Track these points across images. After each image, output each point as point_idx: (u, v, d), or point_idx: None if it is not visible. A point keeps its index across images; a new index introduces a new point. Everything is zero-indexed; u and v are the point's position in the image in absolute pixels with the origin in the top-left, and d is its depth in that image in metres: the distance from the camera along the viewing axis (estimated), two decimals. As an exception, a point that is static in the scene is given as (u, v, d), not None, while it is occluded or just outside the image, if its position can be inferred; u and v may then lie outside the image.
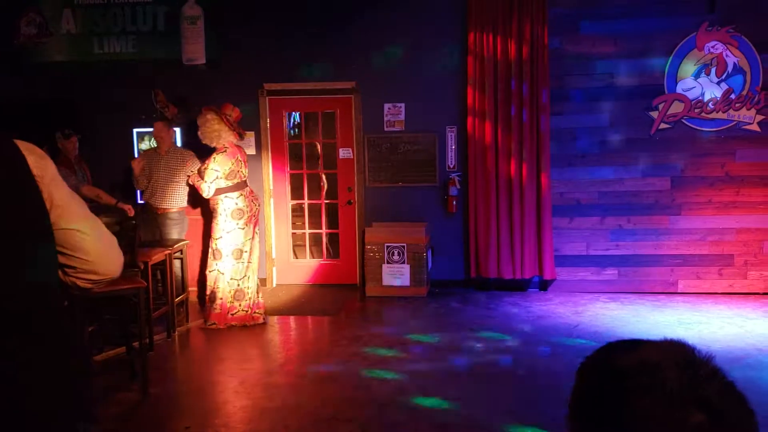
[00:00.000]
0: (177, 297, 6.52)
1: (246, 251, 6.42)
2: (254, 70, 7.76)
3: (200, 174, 6.46)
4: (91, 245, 1.66)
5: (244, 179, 6.51)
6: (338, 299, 7.39)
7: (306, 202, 8.19)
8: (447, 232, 7.69)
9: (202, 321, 6.58)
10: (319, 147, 8.34)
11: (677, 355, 0.88)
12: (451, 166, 7.64)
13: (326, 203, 8.15)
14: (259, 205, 6.64)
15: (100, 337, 5.72)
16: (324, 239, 8.27)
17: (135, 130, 7.91)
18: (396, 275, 7.33)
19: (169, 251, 6.25)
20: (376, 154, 7.75)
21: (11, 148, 1.56)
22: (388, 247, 7.33)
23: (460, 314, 6.75)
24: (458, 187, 7.56)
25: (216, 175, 6.32)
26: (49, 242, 1.59)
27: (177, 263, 6.71)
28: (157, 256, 6.04)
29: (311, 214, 8.24)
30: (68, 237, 1.63)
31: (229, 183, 6.37)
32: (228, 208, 6.36)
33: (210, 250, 6.48)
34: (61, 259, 1.64)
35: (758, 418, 0.88)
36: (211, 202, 6.48)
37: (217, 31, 7.71)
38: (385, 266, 7.35)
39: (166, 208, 6.87)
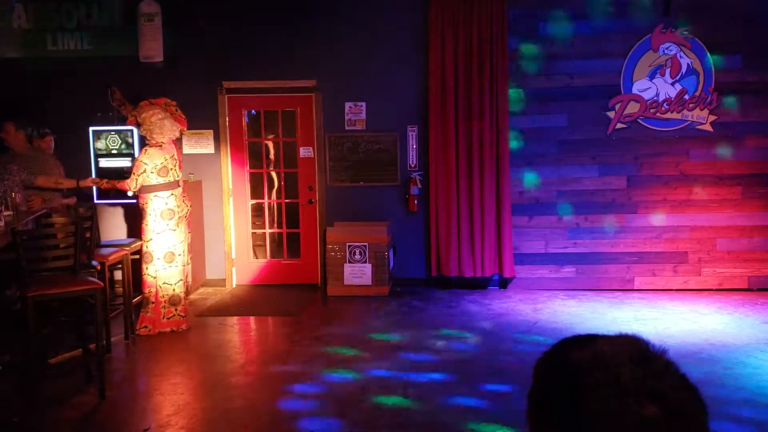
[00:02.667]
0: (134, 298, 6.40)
1: (179, 254, 6.10)
2: (213, 67, 7.67)
3: (132, 170, 6.06)
4: None
5: (176, 179, 6.11)
6: (299, 299, 7.35)
7: (266, 201, 8.14)
8: (408, 231, 7.71)
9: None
10: (271, 147, 8.24)
11: (631, 349, 0.90)
12: (413, 166, 7.66)
13: (287, 202, 8.11)
14: (189, 206, 6.29)
15: (56, 340, 5.59)
16: (284, 239, 8.22)
17: (91, 129, 7.74)
18: (358, 274, 7.32)
19: (126, 251, 6.14)
20: (337, 153, 7.73)
21: None
22: (349, 246, 7.31)
23: (421, 313, 6.78)
24: (419, 186, 7.59)
25: (144, 168, 5.89)
26: None
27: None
28: (114, 256, 5.93)
29: (271, 213, 8.19)
30: None
31: (161, 180, 5.95)
32: (157, 208, 5.97)
33: (141, 252, 6.11)
34: None
35: (711, 410, 0.90)
36: (140, 201, 6.05)
37: (175, 28, 7.60)
38: (346, 266, 7.34)
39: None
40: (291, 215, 8.13)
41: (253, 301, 7.37)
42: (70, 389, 4.88)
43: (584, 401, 0.86)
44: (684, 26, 7.24)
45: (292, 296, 7.47)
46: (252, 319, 6.76)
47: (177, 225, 6.07)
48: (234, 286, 7.96)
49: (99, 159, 7.78)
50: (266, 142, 8.22)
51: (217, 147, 7.80)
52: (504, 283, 7.64)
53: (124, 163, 7.74)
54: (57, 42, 7.70)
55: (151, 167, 5.93)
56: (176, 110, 6.16)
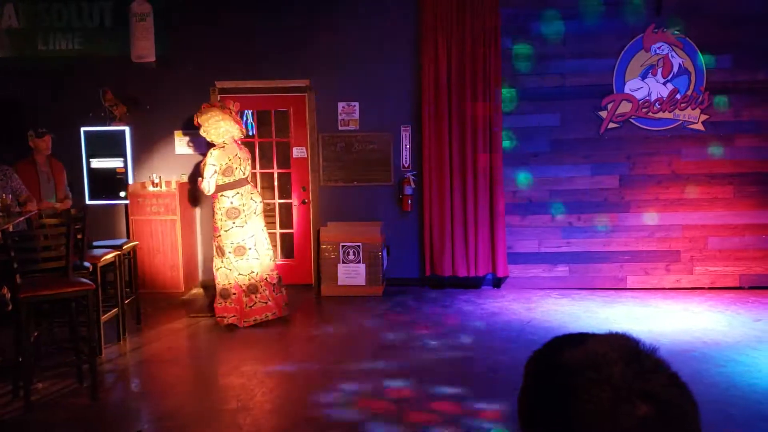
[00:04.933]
0: (127, 299, 6.37)
1: (250, 248, 6.33)
2: (206, 67, 7.65)
3: (201, 172, 6.41)
4: None
5: (243, 177, 6.36)
6: (293, 299, 7.32)
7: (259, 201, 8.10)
8: (402, 230, 7.71)
9: (213, 319, 6.47)
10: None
11: (622, 348, 0.90)
12: (406, 166, 7.66)
13: (280, 203, 8.09)
14: (259, 202, 6.46)
15: (48, 341, 5.56)
16: (278, 240, 8.19)
17: (83, 129, 7.72)
18: (351, 275, 7.32)
19: (119, 252, 6.12)
20: (330, 153, 7.72)
21: None
22: (343, 246, 7.31)
23: (415, 312, 6.78)
24: (413, 186, 7.59)
25: (214, 169, 6.20)
26: None
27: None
28: (107, 258, 5.90)
29: (265, 213, 8.16)
30: None
31: (226, 180, 6.25)
32: (223, 207, 6.27)
33: (214, 247, 6.48)
34: None
35: (704, 408, 0.90)
36: (212, 200, 6.44)
37: (167, 28, 7.58)
38: (340, 266, 7.33)
39: None
40: (284, 215, 8.12)
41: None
42: (63, 391, 4.86)
43: (576, 401, 0.86)
44: (675, 26, 7.26)
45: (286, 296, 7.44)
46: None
47: (245, 222, 6.30)
48: (227, 286, 7.93)
49: (91, 159, 7.76)
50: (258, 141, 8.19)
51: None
52: (497, 283, 7.65)
53: (115, 163, 7.73)
54: (48, 42, 7.66)
55: (218, 167, 6.21)
56: (232, 112, 6.40)
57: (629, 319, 6.32)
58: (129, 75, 7.61)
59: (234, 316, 6.35)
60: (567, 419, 0.87)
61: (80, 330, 5.18)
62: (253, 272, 6.36)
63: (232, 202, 6.27)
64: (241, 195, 6.31)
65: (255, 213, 6.40)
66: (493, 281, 7.66)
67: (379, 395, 4.66)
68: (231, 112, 6.38)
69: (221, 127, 6.26)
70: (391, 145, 7.64)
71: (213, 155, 6.24)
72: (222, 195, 6.26)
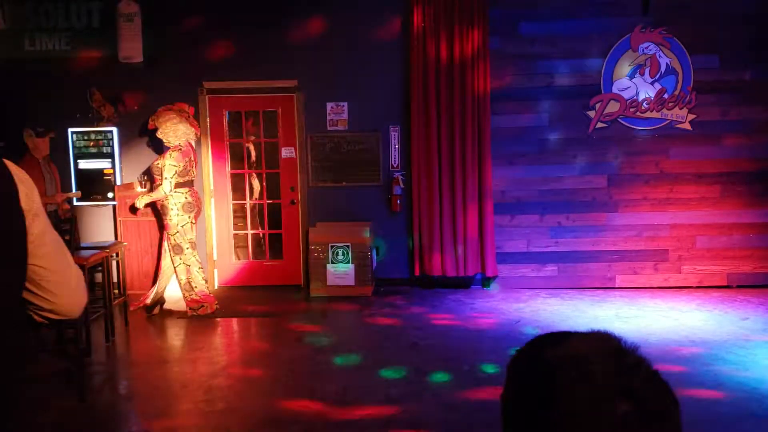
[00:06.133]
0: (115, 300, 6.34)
1: (196, 243, 6.72)
2: (194, 68, 7.62)
3: (157, 173, 6.55)
4: (56, 286, 1.54)
5: (192, 179, 6.67)
6: (282, 300, 7.33)
7: (248, 202, 8.10)
8: (391, 230, 7.71)
9: (185, 312, 6.70)
10: (252, 149, 8.24)
11: (604, 346, 0.90)
12: (395, 166, 7.66)
13: (269, 203, 8.08)
14: (200, 205, 6.81)
15: (35, 343, 5.52)
16: (266, 240, 8.18)
17: (70, 130, 7.68)
18: (341, 275, 7.31)
19: (106, 253, 6.08)
20: (319, 153, 7.71)
21: (4, 175, 1.45)
22: (332, 246, 7.30)
23: (404, 312, 6.78)
24: (402, 186, 7.60)
25: (175, 170, 6.42)
26: (20, 270, 1.48)
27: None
28: (94, 259, 5.87)
29: (253, 214, 8.15)
30: (33, 273, 1.51)
31: (180, 180, 6.49)
32: (179, 202, 6.49)
33: (169, 246, 6.58)
34: (23, 294, 1.52)
35: (691, 406, 0.90)
36: (161, 199, 6.58)
37: (155, 29, 7.54)
38: (329, 266, 7.32)
39: None
40: (273, 216, 8.10)
41: (235, 302, 7.33)
42: (50, 393, 4.82)
43: (558, 399, 0.86)
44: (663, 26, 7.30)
45: (275, 297, 7.44)
46: (234, 320, 6.72)
47: (195, 219, 6.64)
48: (216, 287, 7.91)
49: (78, 161, 7.72)
50: (248, 144, 8.18)
51: (198, 148, 7.74)
52: (487, 282, 7.66)
53: (103, 164, 7.69)
54: (35, 42, 7.61)
55: (179, 168, 6.44)
56: (189, 116, 6.67)
57: (618, 318, 6.35)
58: (116, 76, 7.57)
59: (204, 305, 6.63)
60: (549, 418, 0.87)
61: (67, 332, 5.15)
62: (201, 267, 6.71)
63: (186, 198, 6.53)
64: (191, 193, 6.62)
65: (197, 214, 6.74)
66: (483, 281, 7.67)
67: (368, 395, 4.65)
68: (188, 116, 6.63)
69: (179, 130, 6.49)
70: (380, 145, 7.64)
71: (173, 156, 6.45)
72: (175, 191, 6.48)
